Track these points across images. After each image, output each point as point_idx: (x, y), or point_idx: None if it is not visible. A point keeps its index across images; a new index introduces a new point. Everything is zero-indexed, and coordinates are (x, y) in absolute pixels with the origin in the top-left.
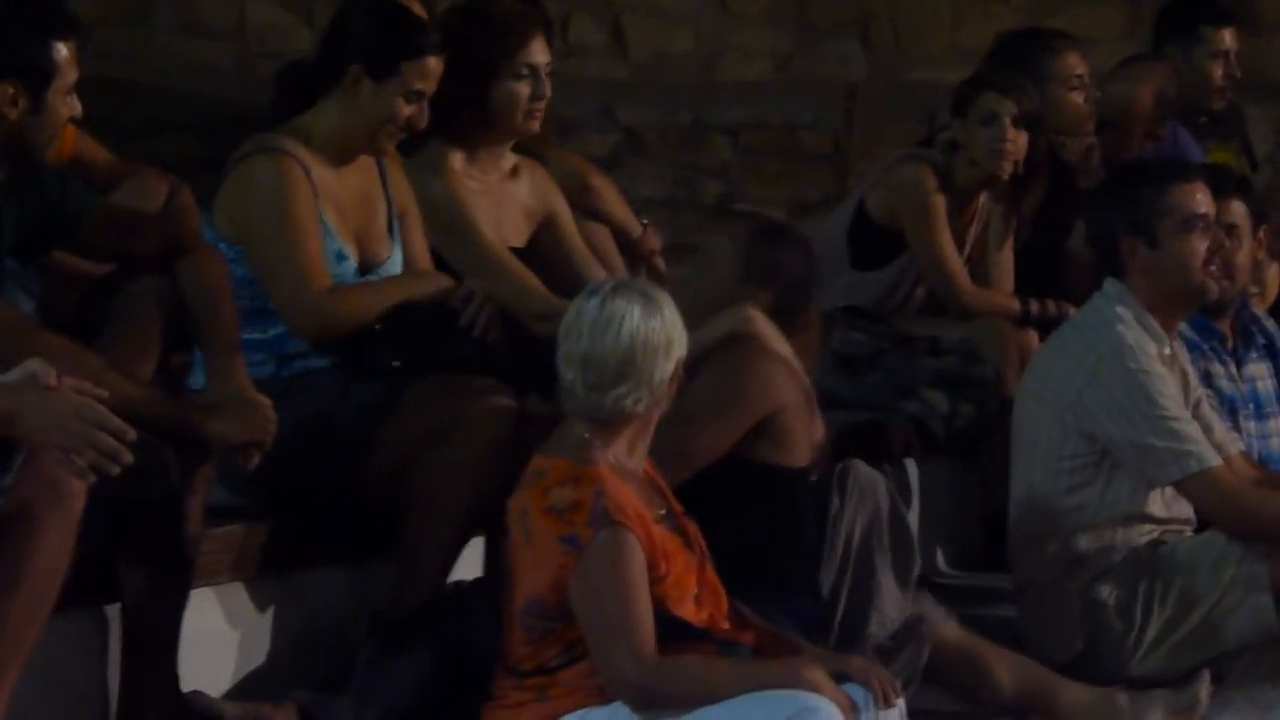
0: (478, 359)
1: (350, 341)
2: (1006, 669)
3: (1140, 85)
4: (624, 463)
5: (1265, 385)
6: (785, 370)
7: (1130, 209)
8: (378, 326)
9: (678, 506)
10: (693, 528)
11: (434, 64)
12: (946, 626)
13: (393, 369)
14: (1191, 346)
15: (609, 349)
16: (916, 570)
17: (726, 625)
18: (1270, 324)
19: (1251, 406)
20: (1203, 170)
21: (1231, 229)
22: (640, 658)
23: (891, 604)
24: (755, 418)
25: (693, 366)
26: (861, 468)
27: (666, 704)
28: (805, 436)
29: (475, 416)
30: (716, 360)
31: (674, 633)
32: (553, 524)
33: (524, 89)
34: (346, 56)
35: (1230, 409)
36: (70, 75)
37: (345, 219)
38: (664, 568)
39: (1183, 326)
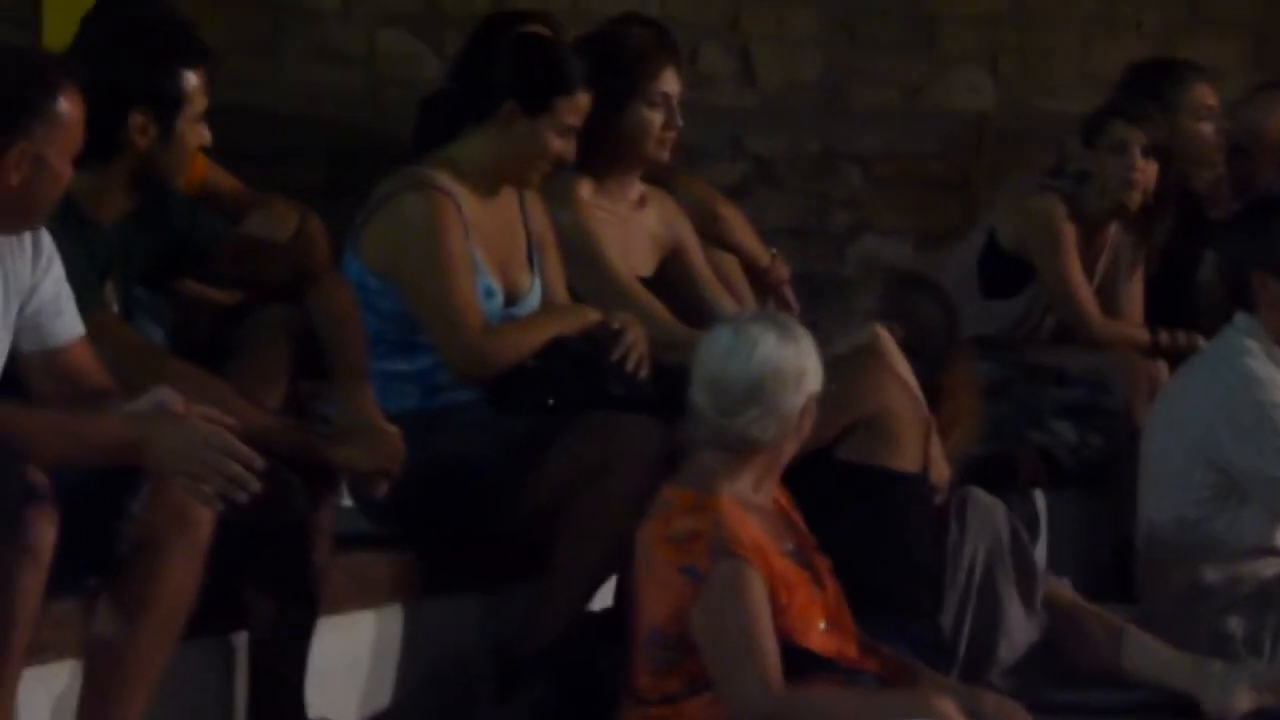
0: (631, 395)
1: (499, 376)
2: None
3: (1272, 111)
4: (749, 496)
5: None
6: (898, 382)
7: (1261, 243)
8: (530, 363)
9: (810, 541)
10: (824, 563)
11: (585, 99)
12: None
13: (545, 407)
14: None
15: (739, 373)
16: (1041, 592)
17: (853, 654)
18: None
19: None
20: None
21: None
22: (766, 688)
23: (1019, 629)
24: (857, 413)
25: None
26: (980, 495)
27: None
28: (918, 446)
29: (629, 455)
30: (835, 364)
31: (798, 663)
32: (673, 554)
33: (657, 118)
34: (499, 92)
35: None
36: (199, 103)
37: (492, 252)
38: (786, 598)
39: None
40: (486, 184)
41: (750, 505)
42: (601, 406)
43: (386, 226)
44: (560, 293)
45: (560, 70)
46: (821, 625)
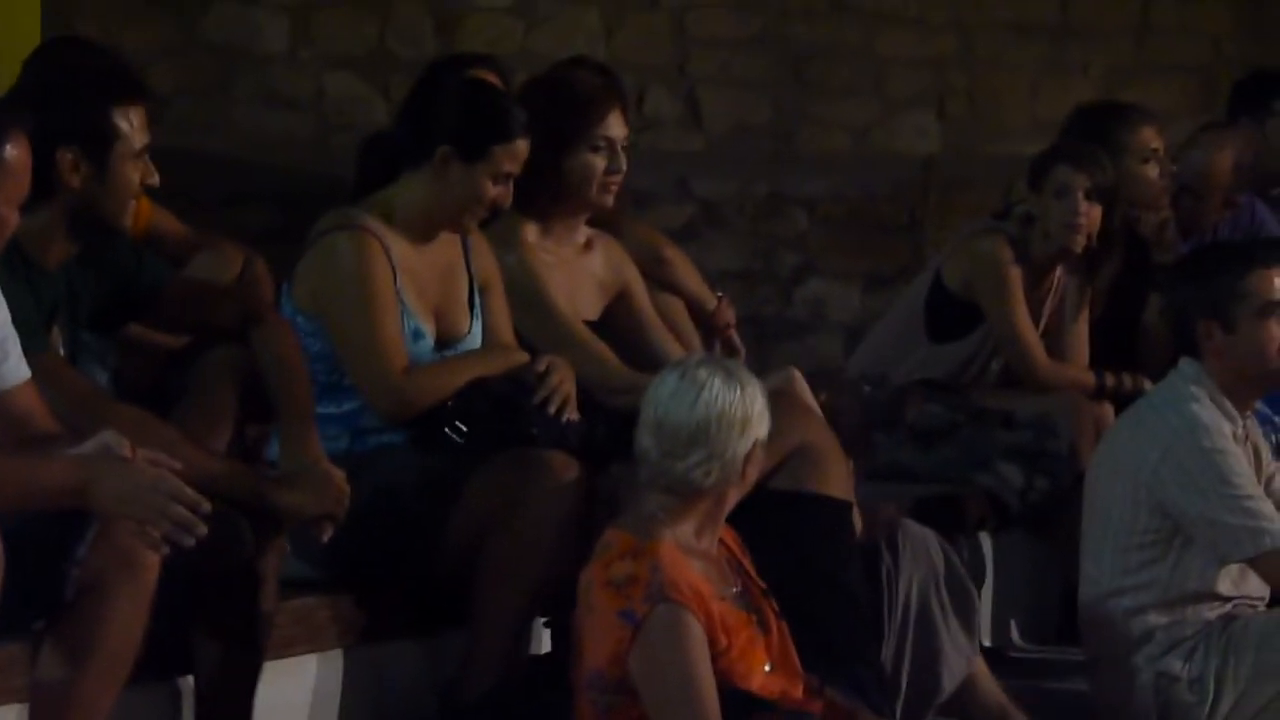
0: (549, 436)
1: (422, 416)
2: None
3: (1218, 152)
4: (691, 541)
5: None
6: (817, 418)
7: (1207, 292)
8: (449, 403)
9: (758, 585)
10: (772, 606)
11: (523, 146)
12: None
13: (460, 446)
14: (1262, 420)
15: (684, 417)
16: (977, 615)
17: (798, 695)
18: None
19: None
20: None
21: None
22: None
23: (957, 657)
24: (784, 449)
25: None
26: (911, 526)
27: None
28: (843, 478)
29: (542, 492)
30: None
31: (740, 706)
32: (611, 598)
33: (600, 162)
34: (436, 137)
35: None
36: (136, 141)
37: (424, 295)
38: (725, 642)
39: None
40: (421, 227)
41: (692, 550)
42: (518, 446)
43: (314, 267)
44: (506, 334)
45: (499, 118)
46: (766, 668)
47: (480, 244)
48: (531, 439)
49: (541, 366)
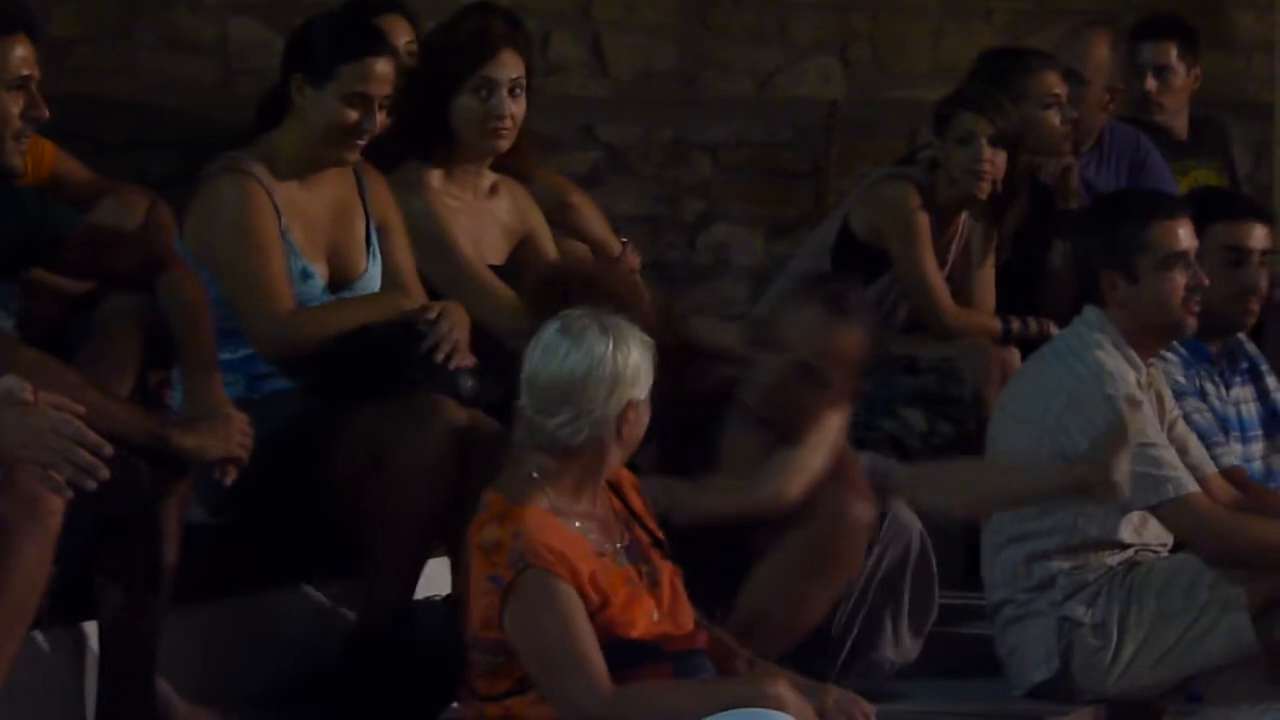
0: (435, 383)
1: (310, 363)
2: None
3: (1092, 40)
4: (567, 501)
5: (1249, 409)
6: None
7: (1111, 243)
8: (333, 348)
9: (645, 537)
10: (663, 555)
11: (378, 66)
12: None
13: (344, 390)
14: (1186, 364)
15: (553, 372)
16: (931, 621)
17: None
18: (1251, 347)
19: (1237, 430)
20: (1224, 198)
21: (1249, 253)
22: (593, 690)
23: (898, 647)
24: None
25: None
26: (903, 510)
27: None
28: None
29: (418, 433)
30: None
31: (626, 657)
32: (481, 562)
33: (478, 106)
34: (289, 66)
35: (1223, 427)
36: (13, 71)
37: (314, 236)
38: (597, 600)
39: (1177, 348)
40: (304, 166)
41: (568, 511)
42: (401, 392)
43: (199, 213)
44: (407, 274)
45: (342, 37)
46: (655, 617)
47: (377, 184)
48: (413, 384)
49: (432, 313)
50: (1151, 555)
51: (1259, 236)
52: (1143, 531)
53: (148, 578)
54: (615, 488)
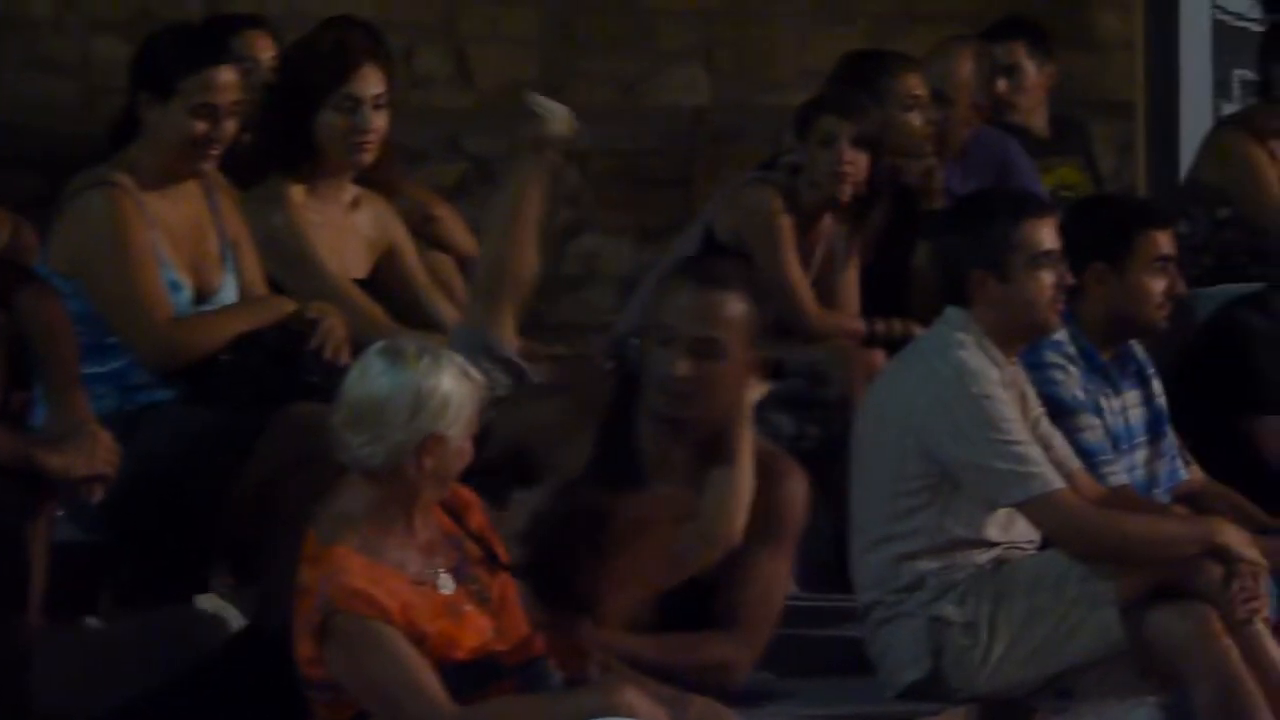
0: (330, 383)
1: (194, 372)
2: None
3: (956, 57)
4: (379, 535)
5: (1135, 414)
6: None
7: (980, 243)
8: (224, 357)
9: (476, 552)
10: (498, 578)
11: (220, 75)
12: None
13: (241, 400)
14: (1086, 376)
15: (360, 392)
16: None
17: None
18: (1139, 350)
19: (1125, 441)
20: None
21: (1170, 258)
22: (440, 718)
23: None
24: None
25: None
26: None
27: None
28: None
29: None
30: None
31: (466, 680)
32: (300, 601)
33: (342, 121)
34: (135, 84)
35: (1114, 443)
36: None
37: (179, 249)
38: (421, 628)
39: (1075, 354)
40: (162, 180)
41: (380, 546)
42: (299, 397)
43: (69, 227)
44: (260, 290)
45: (181, 50)
46: (490, 634)
47: (227, 202)
48: (312, 387)
49: (312, 313)
50: (1019, 553)
51: (1173, 241)
52: (1009, 529)
53: (14, 598)
54: (451, 508)
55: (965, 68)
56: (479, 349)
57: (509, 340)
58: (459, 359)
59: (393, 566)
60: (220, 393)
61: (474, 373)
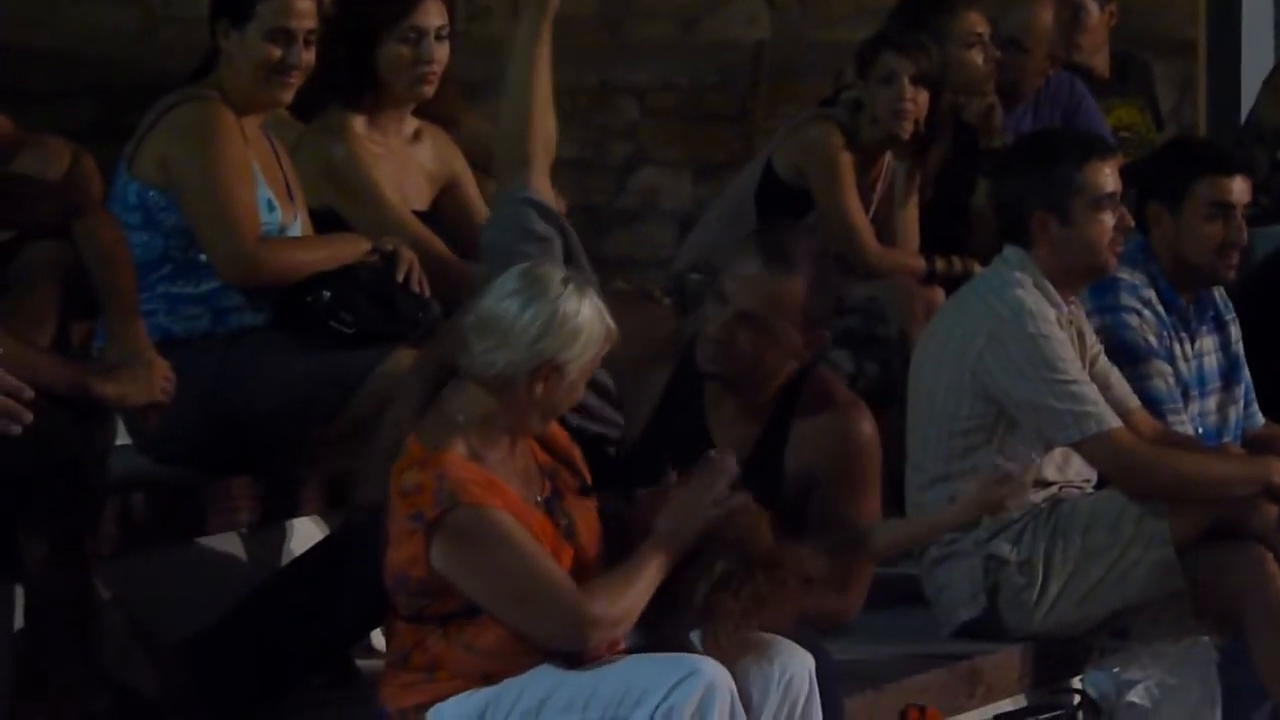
0: (426, 318)
1: (288, 302)
2: None
3: (1035, 6)
4: (486, 450)
5: (1210, 360)
6: None
7: (1044, 184)
8: (326, 294)
9: (570, 481)
10: (584, 510)
11: (294, 0)
12: None
13: (344, 335)
14: (1160, 323)
15: (492, 303)
16: None
17: None
18: (1220, 295)
19: (1197, 387)
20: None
21: (1233, 207)
22: (575, 610)
23: None
24: None
25: None
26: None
27: (613, 626)
28: None
29: None
30: None
31: None
32: (402, 504)
33: (407, 53)
34: (214, 13)
35: (1186, 389)
36: None
37: (267, 173)
38: (534, 533)
39: (1152, 298)
40: (245, 109)
41: (485, 459)
42: (399, 335)
43: (166, 138)
44: (309, 233)
45: None
46: (570, 569)
47: (283, 147)
48: (416, 324)
49: (389, 246)
50: (1075, 492)
51: (1241, 190)
52: (1066, 469)
53: (72, 528)
54: (541, 437)
55: (1044, 17)
56: (525, 207)
57: (550, 198)
58: (595, 298)
59: (500, 479)
60: (322, 328)
61: (608, 315)
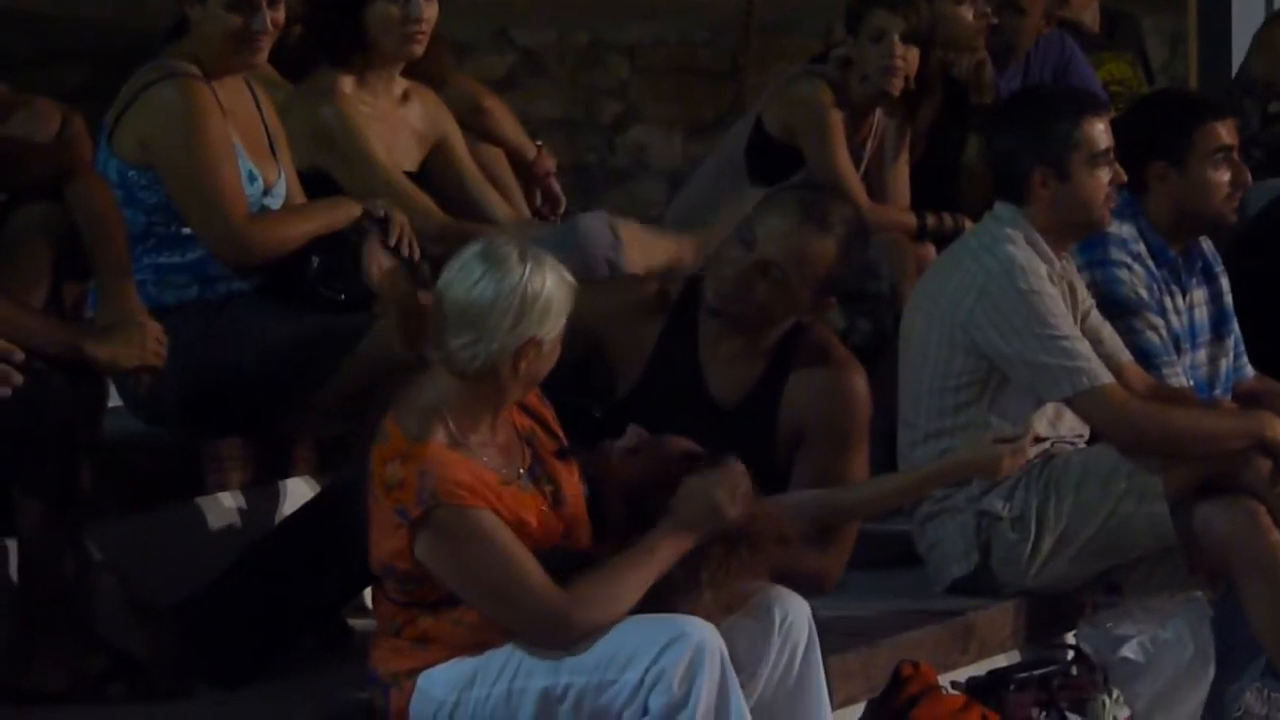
0: (416, 281)
1: (277, 269)
2: None
3: None
4: (465, 433)
5: (1200, 312)
6: None
7: (1041, 141)
8: (315, 260)
9: (547, 446)
10: (567, 474)
11: None
12: None
13: (337, 301)
14: (1151, 276)
15: (461, 294)
16: None
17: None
18: (1208, 246)
19: (1188, 340)
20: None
21: (1232, 148)
22: (549, 606)
23: None
24: None
25: None
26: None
27: (594, 628)
28: None
29: None
30: None
31: (557, 564)
32: (386, 497)
33: (395, 11)
34: None
35: (1177, 341)
36: None
37: (246, 139)
38: (513, 524)
39: (1142, 251)
40: (219, 72)
41: (465, 444)
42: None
43: (144, 117)
44: (296, 189)
45: None
46: (560, 537)
47: (265, 98)
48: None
49: (379, 210)
50: (1068, 447)
51: (1233, 130)
52: (1058, 424)
53: (65, 490)
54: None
55: None
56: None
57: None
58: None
59: (482, 466)
60: (314, 294)
61: (567, 274)
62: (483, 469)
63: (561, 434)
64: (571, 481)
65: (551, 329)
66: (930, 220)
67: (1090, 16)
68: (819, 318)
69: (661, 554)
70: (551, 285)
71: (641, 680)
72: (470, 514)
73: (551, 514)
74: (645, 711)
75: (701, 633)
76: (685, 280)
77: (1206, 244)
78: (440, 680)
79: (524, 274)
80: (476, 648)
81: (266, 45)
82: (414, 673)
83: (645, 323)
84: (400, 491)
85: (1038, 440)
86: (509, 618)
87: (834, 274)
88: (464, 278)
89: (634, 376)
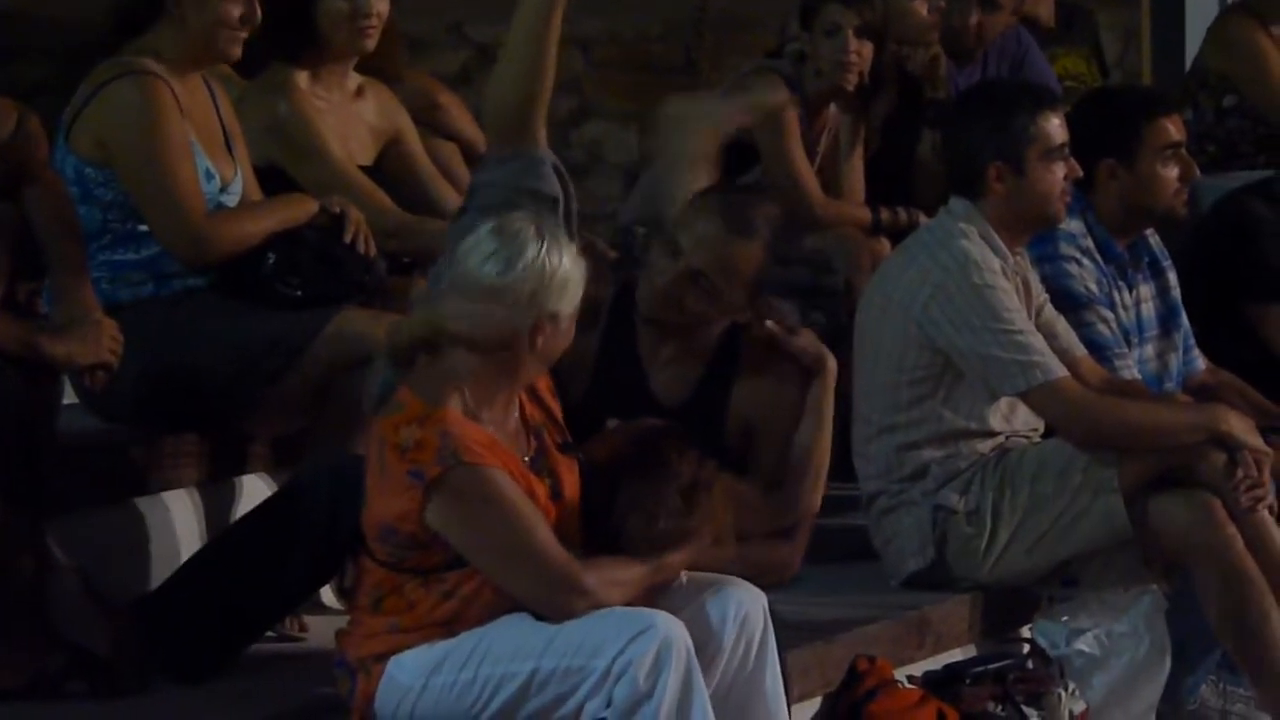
0: (372, 278)
1: (236, 266)
2: None
3: None
4: (480, 409)
5: (1148, 308)
6: None
7: (998, 136)
8: (271, 256)
9: (554, 438)
10: (567, 469)
11: None
12: None
13: (293, 299)
14: (1100, 271)
15: (476, 268)
16: None
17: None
18: (1155, 241)
19: (1136, 334)
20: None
21: (1181, 144)
22: (562, 577)
23: None
24: None
25: None
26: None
27: (597, 603)
28: None
29: None
30: None
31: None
32: (399, 460)
33: (345, 6)
34: None
35: (1126, 336)
36: None
37: (203, 137)
38: (530, 490)
39: (1090, 246)
40: (187, 66)
41: (479, 420)
42: (347, 296)
43: (102, 115)
44: (252, 185)
45: None
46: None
47: (222, 94)
48: (362, 286)
49: (335, 207)
50: (1022, 441)
51: (1180, 124)
52: (1012, 418)
53: (23, 488)
54: (526, 390)
55: None
56: (541, 165)
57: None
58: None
59: (495, 438)
60: (270, 291)
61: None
62: (500, 441)
63: (566, 430)
64: (571, 478)
65: (568, 305)
66: (885, 215)
67: (1046, 11)
68: (756, 315)
69: (673, 564)
70: (568, 260)
71: (608, 670)
72: (490, 473)
73: (549, 505)
74: (609, 703)
75: (669, 626)
76: (615, 288)
77: (1154, 239)
78: (408, 666)
79: (542, 248)
80: (448, 627)
81: (245, 39)
82: (384, 657)
83: (581, 335)
84: (418, 452)
85: (992, 435)
86: (518, 580)
87: (763, 274)
88: (477, 251)
89: (581, 387)
